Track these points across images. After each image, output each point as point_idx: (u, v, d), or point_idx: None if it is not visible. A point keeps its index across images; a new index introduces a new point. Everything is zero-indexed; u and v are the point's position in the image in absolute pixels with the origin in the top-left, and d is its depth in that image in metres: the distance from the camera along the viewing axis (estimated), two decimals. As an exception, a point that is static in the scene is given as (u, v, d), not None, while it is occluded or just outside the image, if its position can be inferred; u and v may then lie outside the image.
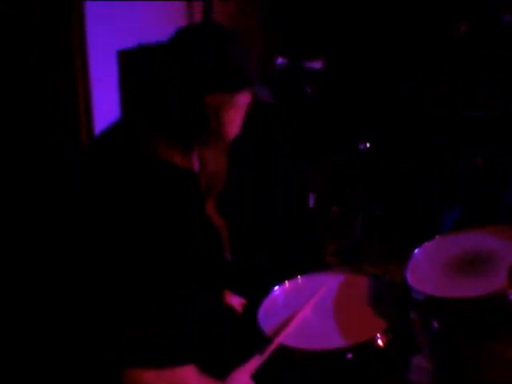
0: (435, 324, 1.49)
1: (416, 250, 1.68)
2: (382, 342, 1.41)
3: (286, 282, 1.68)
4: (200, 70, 1.20)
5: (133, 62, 2.17)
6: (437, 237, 1.74)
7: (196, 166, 1.29)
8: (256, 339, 1.41)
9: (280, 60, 2.72)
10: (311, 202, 2.40)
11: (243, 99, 1.27)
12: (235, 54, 1.24)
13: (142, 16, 2.42)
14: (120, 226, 1.14)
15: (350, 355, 1.37)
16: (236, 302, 1.61)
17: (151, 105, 1.22)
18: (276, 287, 1.66)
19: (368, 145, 2.37)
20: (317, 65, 2.76)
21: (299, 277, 1.68)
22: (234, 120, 1.27)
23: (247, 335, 1.43)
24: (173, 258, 1.14)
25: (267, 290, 1.61)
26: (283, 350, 1.40)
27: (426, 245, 1.70)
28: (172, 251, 1.14)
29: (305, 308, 1.52)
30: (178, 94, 1.19)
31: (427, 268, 1.60)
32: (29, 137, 2.01)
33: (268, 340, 1.41)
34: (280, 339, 1.40)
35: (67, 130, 2.09)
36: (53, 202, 1.40)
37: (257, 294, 1.59)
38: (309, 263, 1.76)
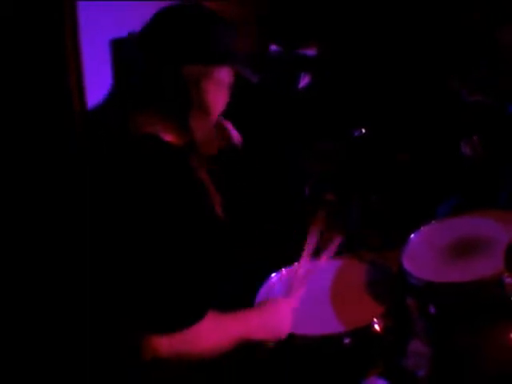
0: (432, 309, 1.50)
1: (412, 235, 1.68)
2: (379, 327, 1.42)
3: (283, 269, 1.68)
4: (176, 41, 1.25)
5: (123, 47, 2.17)
6: (433, 222, 1.74)
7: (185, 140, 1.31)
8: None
9: (273, 47, 2.70)
10: (306, 190, 2.40)
11: (223, 75, 1.30)
12: (213, 28, 1.28)
13: (140, 16, 2.41)
14: (133, 206, 1.14)
15: (347, 340, 1.38)
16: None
17: (135, 79, 1.25)
18: (273, 274, 1.66)
19: (363, 131, 2.36)
20: (310, 52, 2.75)
21: (296, 263, 1.68)
22: (215, 95, 1.30)
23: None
24: (186, 229, 1.17)
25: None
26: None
27: (422, 230, 1.71)
28: (184, 222, 1.16)
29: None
30: (157, 64, 1.24)
31: (423, 253, 1.60)
32: (22, 134, 2.00)
33: None
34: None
35: (60, 126, 2.08)
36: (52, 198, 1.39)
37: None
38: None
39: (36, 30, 2.00)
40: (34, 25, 2.00)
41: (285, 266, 1.69)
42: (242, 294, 1.56)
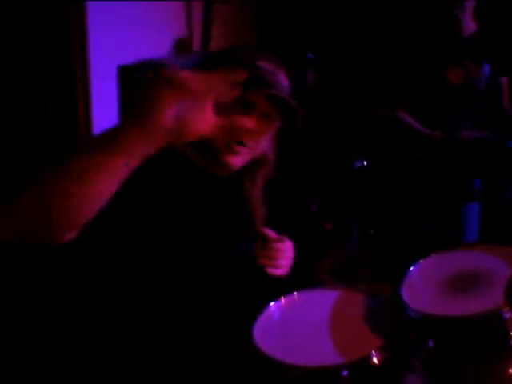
0: (430, 343, 1.49)
1: (411, 268, 1.68)
2: (377, 359, 1.41)
3: (282, 297, 1.68)
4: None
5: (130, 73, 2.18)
6: (432, 254, 1.74)
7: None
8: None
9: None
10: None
11: None
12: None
13: (141, 16, 2.44)
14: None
15: (345, 372, 1.37)
16: None
17: None
18: (272, 303, 1.65)
19: (365, 163, 2.38)
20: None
21: (295, 293, 1.68)
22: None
23: None
24: None
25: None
26: (278, 366, 1.39)
27: (422, 263, 1.70)
28: None
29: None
30: None
31: (422, 286, 1.60)
32: (26, 140, 2.02)
33: (264, 356, 1.40)
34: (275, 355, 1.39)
35: (65, 136, 2.09)
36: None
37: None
38: (302, 281, 1.76)
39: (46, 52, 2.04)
40: (45, 45, 2.03)
41: (283, 295, 1.68)
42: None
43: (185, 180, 1.22)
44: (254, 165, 1.35)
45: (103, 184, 0.89)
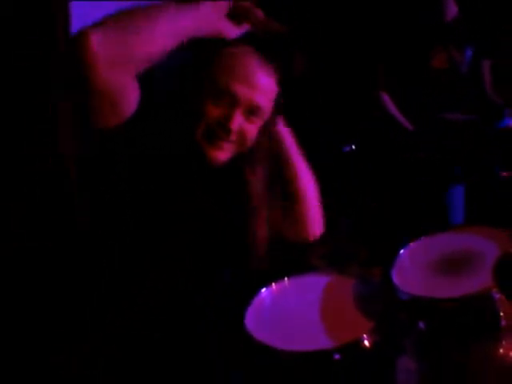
0: (421, 325, 1.50)
1: (401, 251, 1.69)
2: (369, 342, 1.41)
3: (273, 283, 1.68)
4: None
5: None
6: (422, 237, 1.75)
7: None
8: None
9: None
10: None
11: None
12: None
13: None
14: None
15: (337, 356, 1.38)
16: None
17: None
18: (263, 289, 1.65)
19: (353, 147, 2.37)
20: None
21: (286, 279, 1.68)
22: None
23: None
24: None
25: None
26: (270, 351, 1.40)
27: (412, 245, 1.71)
28: None
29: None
30: None
31: (413, 268, 1.61)
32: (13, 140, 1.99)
33: (256, 342, 1.40)
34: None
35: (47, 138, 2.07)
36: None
37: None
38: (294, 266, 1.76)
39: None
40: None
41: (274, 281, 1.68)
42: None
43: (183, 178, 1.21)
44: (251, 158, 1.32)
45: (159, 35, 1.14)
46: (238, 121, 1.25)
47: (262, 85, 1.28)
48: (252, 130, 1.30)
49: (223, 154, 1.26)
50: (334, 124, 2.61)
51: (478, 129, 2.44)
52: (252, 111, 1.29)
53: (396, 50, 2.65)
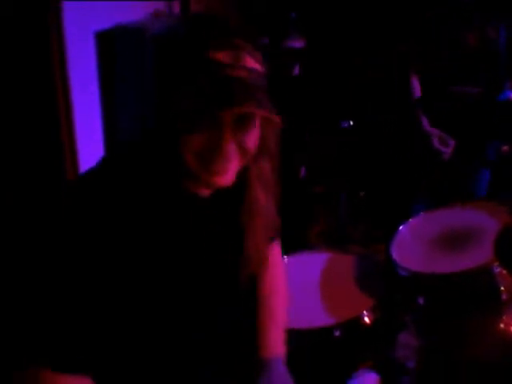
0: (421, 300, 1.49)
1: (401, 227, 1.68)
2: (369, 319, 1.41)
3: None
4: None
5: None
6: (421, 213, 1.74)
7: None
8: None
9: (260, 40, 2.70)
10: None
11: None
12: None
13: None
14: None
15: (337, 332, 1.38)
16: None
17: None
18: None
19: (351, 123, 2.35)
20: (298, 44, 2.74)
21: (285, 257, 1.67)
22: None
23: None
24: None
25: None
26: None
27: (411, 221, 1.70)
28: None
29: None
30: None
31: (412, 244, 1.60)
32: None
33: None
34: None
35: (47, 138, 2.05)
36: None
37: None
38: (293, 245, 1.75)
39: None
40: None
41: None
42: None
43: (166, 211, 1.09)
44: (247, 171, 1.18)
45: None
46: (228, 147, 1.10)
47: None
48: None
49: (227, 176, 1.10)
50: (334, 100, 2.59)
51: (481, 102, 2.41)
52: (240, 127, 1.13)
53: (430, 29, 2.60)
